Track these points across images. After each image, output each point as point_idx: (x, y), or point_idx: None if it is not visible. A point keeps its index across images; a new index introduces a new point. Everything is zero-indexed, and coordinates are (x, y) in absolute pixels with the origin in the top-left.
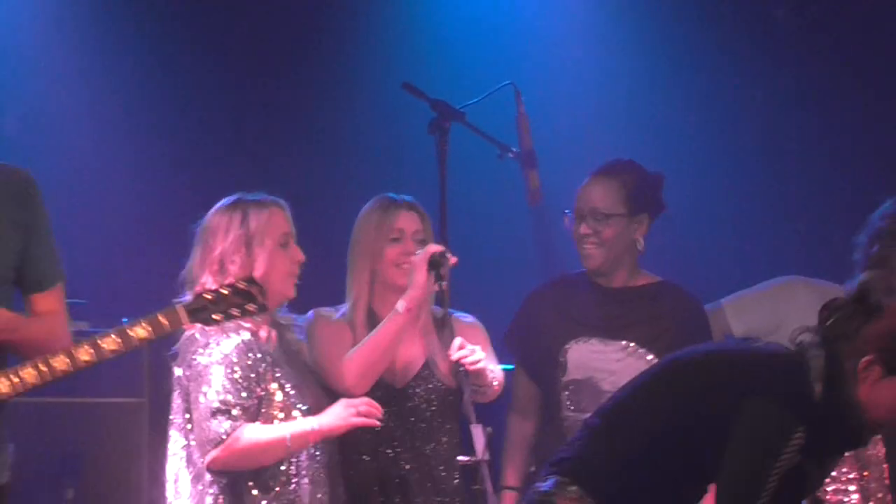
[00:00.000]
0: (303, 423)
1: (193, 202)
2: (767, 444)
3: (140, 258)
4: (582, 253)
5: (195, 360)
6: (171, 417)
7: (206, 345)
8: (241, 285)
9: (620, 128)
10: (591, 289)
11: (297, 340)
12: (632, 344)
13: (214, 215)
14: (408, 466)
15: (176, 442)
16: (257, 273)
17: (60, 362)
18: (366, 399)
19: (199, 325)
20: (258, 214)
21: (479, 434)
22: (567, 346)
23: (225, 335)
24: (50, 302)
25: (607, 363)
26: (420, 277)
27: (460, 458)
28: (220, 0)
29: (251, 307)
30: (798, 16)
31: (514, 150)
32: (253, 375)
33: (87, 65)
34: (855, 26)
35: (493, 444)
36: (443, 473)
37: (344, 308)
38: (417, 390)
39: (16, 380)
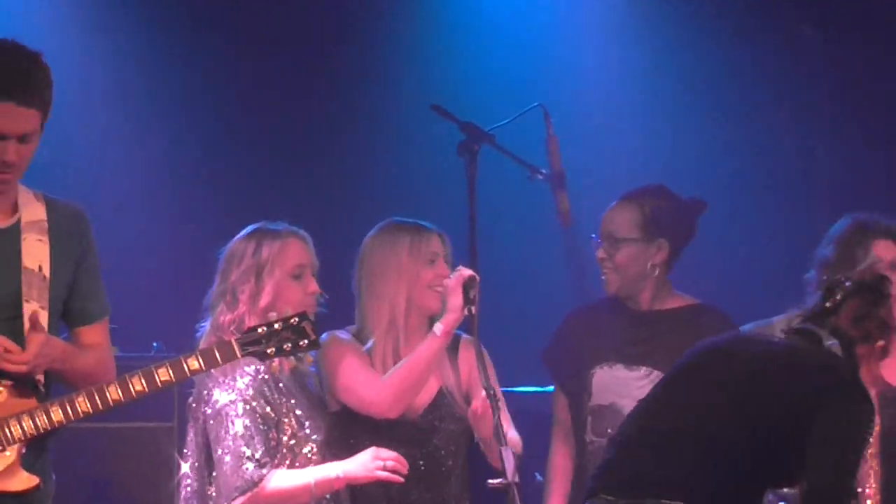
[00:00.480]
0: (327, 470)
1: (224, 227)
2: (861, 436)
3: (171, 283)
4: (602, 277)
5: (212, 397)
6: (184, 451)
7: (222, 381)
8: (293, 320)
9: (653, 149)
10: (620, 312)
11: (309, 371)
12: (654, 371)
13: (234, 243)
14: (428, 495)
15: (186, 476)
16: (262, 302)
17: (114, 392)
18: (394, 454)
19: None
20: (271, 244)
21: (509, 457)
22: (593, 370)
23: (238, 370)
24: (97, 334)
25: (629, 389)
26: (456, 300)
27: (491, 481)
28: (252, 25)
29: (303, 343)
30: (824, 31)
31: (544, 171)
32: (270, 411)
33: (123, 87)
34: (877, 37)
35: (526, 467)
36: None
37: (348, 331)
38: (431, 417)
39: (69, 408)
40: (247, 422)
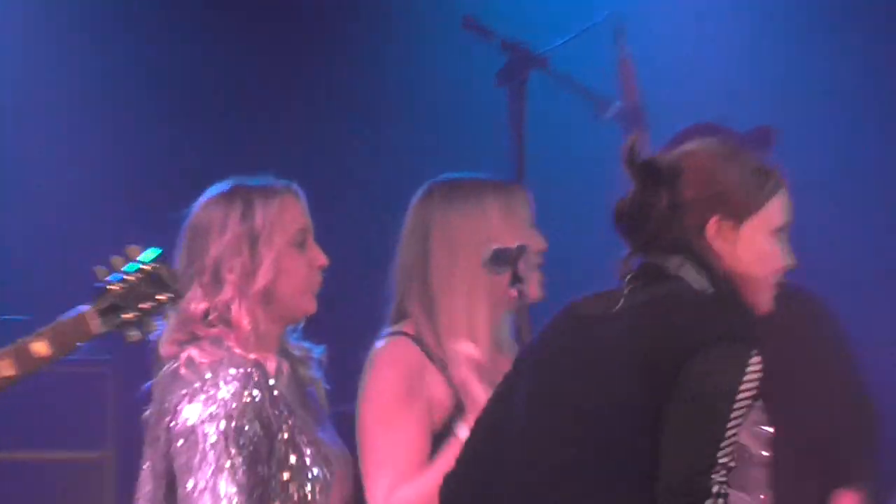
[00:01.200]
0: None
1: (185, 189)
2: (730, 393)
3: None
4: None
5: (180, 410)
6: (138, 481)
7: (197, 391)
8: (148, 267)
9: (749, 80)
10: None
11: (313, 378)
12: None
13: (205, 208)
14: None
15: None
16: (262, 281)
17: None
18: None
19: (184, 356)
20: (265, 205)
21: None
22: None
23: (221, 374)
24: None
25: None
26: (477, 391)
27: None
28: None
29: (163, 296)
30: None
31: (616, 104)
32: (262, 433)
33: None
34: None
35: None
36: None
37: (407, 332)
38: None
39: None
40: (231, 450)
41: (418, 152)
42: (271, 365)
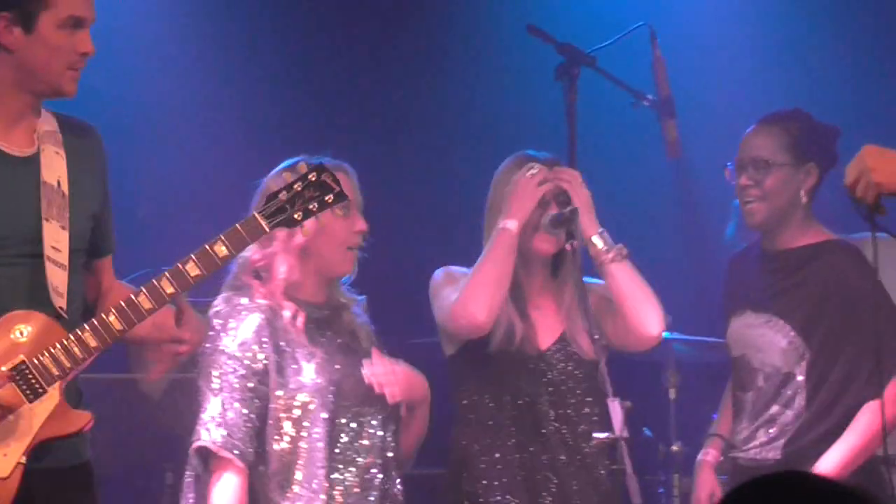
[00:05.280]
0: None
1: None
2: None
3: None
4: (744, 210)
5: (204, 350)
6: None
7: (216, 333)
8: (311, 176)
9: (768, 74)
10: (756, 255)
11: (355, 322)
12: (774, 317)
13: (272, 177)
14: (556, 438)
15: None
16: (301, 239)
17: (145, 301)
18: None
19: (219, 298)
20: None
21: (616, 409)
22: (730, 321)
23: (235, 319)
24: (110, 268)
25: (755, 339)
26: (527, 194)
27: (596, 434)
28: None
29: (329, 198)
30: None
31: (650, 97)
32: (264, 367)
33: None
34: None
35: (633, 419)
36: (585, 449)
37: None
38: (557, 358)
39: (102, 331)
40: (234, 377)
41: (489, 132)
42: (289, 312)
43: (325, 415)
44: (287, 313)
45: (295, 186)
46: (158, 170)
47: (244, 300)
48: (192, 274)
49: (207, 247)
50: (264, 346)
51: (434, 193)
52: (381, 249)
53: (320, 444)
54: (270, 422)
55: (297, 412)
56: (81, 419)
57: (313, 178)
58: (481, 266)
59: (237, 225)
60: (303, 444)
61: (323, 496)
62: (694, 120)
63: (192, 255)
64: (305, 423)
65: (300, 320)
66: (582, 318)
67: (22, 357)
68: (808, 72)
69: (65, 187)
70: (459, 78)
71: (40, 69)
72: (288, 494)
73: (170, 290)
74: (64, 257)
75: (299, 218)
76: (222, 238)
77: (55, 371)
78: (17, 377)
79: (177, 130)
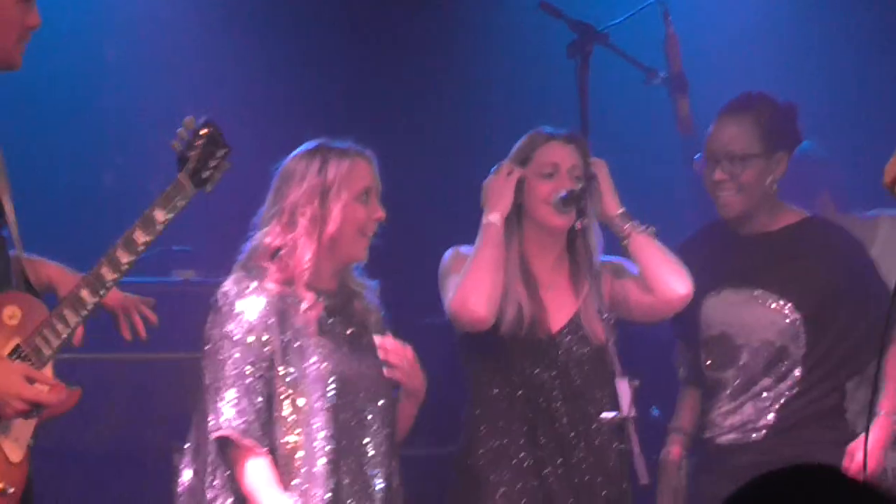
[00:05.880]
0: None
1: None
2: None
3: (243, 205)
4: (718, 202)
5: (208, 333)
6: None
7: (224, 316)
8: (205, 131)
9: (781, 51)
10: (729, 238)
11: (366, 310)
12: (759, 291)
13: (292, 160)
14: (565, 420)
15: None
16: (330, 229)
17: (107, 272)
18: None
19: (230, 279)
20: (338, 163)
21: (624, 388)
22: (703, 300)
23: (244, 303)
24: None
25: (739, 315)
26: (499, 187)
27: (604, 414)
28: None
29: (222, 152)
30: None
31: (662, 74)
32: (269, 351)
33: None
34: None
35: (641, 398)
36: (594, 429)
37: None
38: (567, 340)
39: (77, 306)
40: (241, 361)
41: (502, 109)
42: (310, 299)
43: (327, 405)
44: (305, 304)
45: (196, 144)
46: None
47: (253, 283)
48: (140, 240)
49: (147, 213)
50: (270, 332)
51: (449, 171)
52: (396, 229)
53: (321, 435)
54: (279, 411)
55: (300, 401)
56: (74, 396)
57: (204, 132)
58: (473, 261)
59: (168, 189)
60: (304, 436)
61: (321, 489)
62: (706, 97)
63: (137, 223)
64: (307, 414)
65: (314, 312)
66: (594, 297)
67: (17, 341)
68: (820, 50)
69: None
70: (473, 56)
71: None
72: (292, 484)
73: (125, 259)
74: (15, 229)
75: (211, 177)
76: (158, 204)
77: (47, 351)
78: (19, 357)
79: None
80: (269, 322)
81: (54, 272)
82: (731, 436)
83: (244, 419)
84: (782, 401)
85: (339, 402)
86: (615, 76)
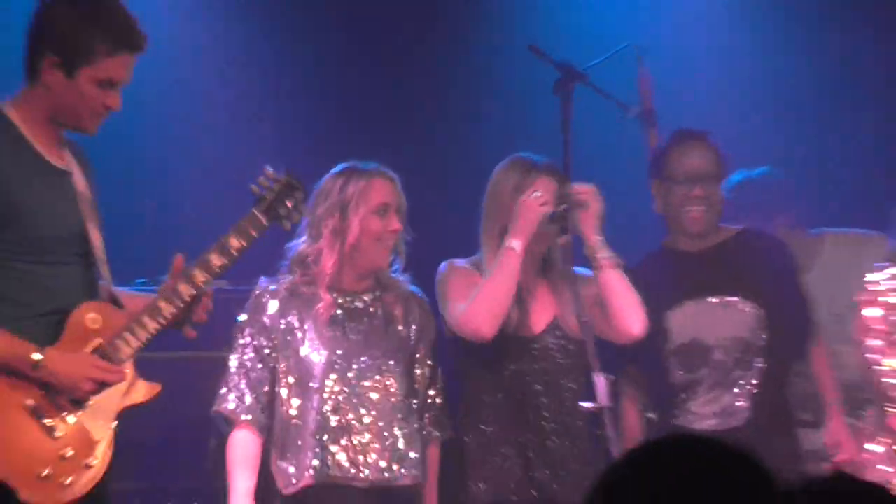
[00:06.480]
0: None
1: (326, 168)
2: None
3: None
4: (688, 217)
5: (237, 323)
6: None
7: (248, 310)
8: (283, 178)
9: (736, 86)
10: (674, 258)
11: (395, 303)
12: (718, 297)
13: (324, 181)
14: (546, 410)
15: None
16: (349, 239)
17: (185, 289)
18: None
19: (263, 279)
20: (357, 182)
21: (601, 382)
22: (667, 315)
23: (271, 296)
24: None
25: (707, 320)
26: (528, 216)
27: (583, 403)
28: None
29: (300, 195)
30: None
31: (636, 108)
32: (279, 341)
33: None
34: None
35: (615, 391)
36: (570, 418)
37: (471, 259)
38: (549, 341)
39: (157, 315)
40: (254, 345)
41: (494, 139)
42: (326, 299)
43: (327, 384)
44: (320, 305)
45: (275, 188)
46: (201, 172)
47: (273, 286)
48: (216, 264)
49: (223, 238)
50: (281, 325)
51: (444, 194)
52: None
53: (313, 415)
54: (276, 389)
55: (300, 385)
56: (153, 389)
57: (283, 179)
58: (489, 283)
59: (242, 221)
60: (302, 411)
61: (317, 461)
62: (673, 128)
63: (215, 248)
64: (306, 393)
65: (327, 308)
66: (572, 302)
67: (100, 341)
68: (774, 84)
69: (90, 196)
70: (471, 92)
71: (69, 111)
72: (287, 456)
73: (202, 278)
74: (103, 255)
75: (285, 214)
76: (233, 232)
77: (127, 350)
78: (101, 356)
79: (216, 134)
80: (281, 317)
81: (140, 301)
82: (712, 422)
83: (238, 396)
84: (752, 389)
85: (334, 389)
86: (594, 111)
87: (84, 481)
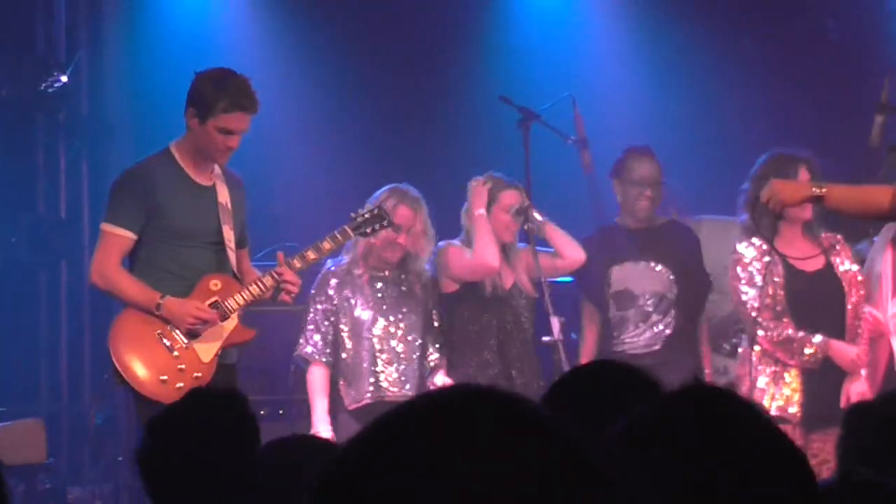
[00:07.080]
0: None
1: (367, 185)
2: None
3: (339, 216)
4: (639, 206)
5: (312, 291)
6: None
7: (318, 281)
8: (374, 209)
9: (644, 119)
10: (620, 232)
11: (417, 278)
12: (651, 263)
13: (374, 198)
14: (517, 342)
15: None
16: (377, 243)
17: (286, 270)
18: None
19: (330, 261)
20: (386, 202)
21: (555, 322)
22: (611, 269)
23: (332, 274)
24: (246, 255)
25: (637, 276)
26: (483, 193)
27: (544, 338)
28: (362, 33)
29: (385, 222)
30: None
31: (573, 137)
32: (336, 307)
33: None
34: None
35: (566, 329)
36: (530, 346)
37: (459, 239)
38: (515, 293)
39: (258, 285)
40: (320, 310)
41: (470, 162)
42: (364, 276)
43: (374, 332)
44: (358, 271)
45: (366, 215)
46: (288, 187)
47: (333, 268)
48: (310, 258)
49: (318, 242)
50: (339, 291)
51: (436, 202)
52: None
53: (366, 354)
54: (340, 337)
55: (354, 332)
56: (249, 333)
57: (376, 212)
58: (479, 237)
59: (335, 232)
60: (357, 352)
61: (372, 379)
62: (599, 150)
63: (310, 248)
64: (359, 340)
65: (366, 281)
66: (533, 268)
67: (216, 298)
68: (662, 118)
69: (229, 206)
70: (451, 130)
71: (202, 147)
72: (351, 383)
73: (299, 264)
74: (233, 245)
75: (370, 231)
76: (327, 238)
77: (235, 306)
78: (215, 307)
79: (295, 155)
80: (339, 287)
81: (254, 275)
82: (639, 350)
83: (313, 342)
84: (666, 329)
85: (381, 334)
86: (546, 140)
87: (192, 387)
